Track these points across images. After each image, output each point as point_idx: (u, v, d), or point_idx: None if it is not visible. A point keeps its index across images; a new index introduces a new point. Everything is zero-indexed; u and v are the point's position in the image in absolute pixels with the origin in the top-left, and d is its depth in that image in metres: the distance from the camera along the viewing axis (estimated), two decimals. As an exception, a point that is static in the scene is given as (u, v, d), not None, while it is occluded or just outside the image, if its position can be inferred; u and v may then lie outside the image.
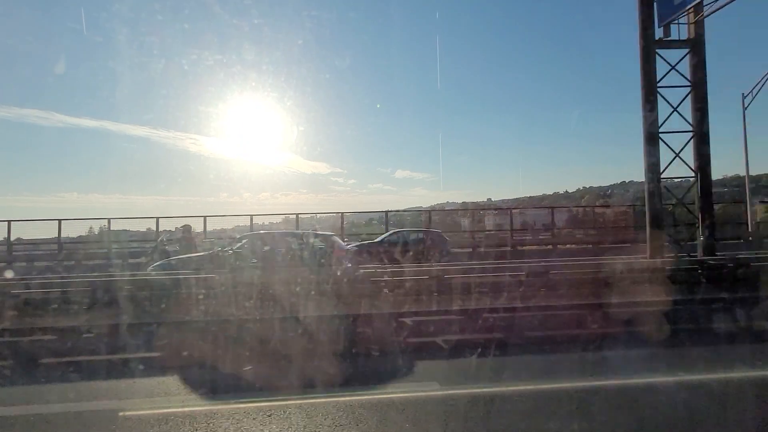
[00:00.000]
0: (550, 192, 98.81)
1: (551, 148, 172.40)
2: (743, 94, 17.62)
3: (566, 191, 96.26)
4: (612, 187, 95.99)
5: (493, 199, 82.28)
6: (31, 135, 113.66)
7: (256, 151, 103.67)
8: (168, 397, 4.03)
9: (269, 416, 3.46)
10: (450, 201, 76.73)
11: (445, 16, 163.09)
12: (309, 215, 19.97)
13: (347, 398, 3.78)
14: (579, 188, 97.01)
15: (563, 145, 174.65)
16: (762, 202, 28.56)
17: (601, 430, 3.16)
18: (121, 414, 3.57)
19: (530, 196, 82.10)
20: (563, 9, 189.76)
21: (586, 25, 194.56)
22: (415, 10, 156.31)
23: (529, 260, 12.69)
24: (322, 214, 20.58)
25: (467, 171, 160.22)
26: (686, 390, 3.86)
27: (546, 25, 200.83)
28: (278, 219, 20.53)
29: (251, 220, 17.19)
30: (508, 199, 75.27)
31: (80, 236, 17.77)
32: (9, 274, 10.33)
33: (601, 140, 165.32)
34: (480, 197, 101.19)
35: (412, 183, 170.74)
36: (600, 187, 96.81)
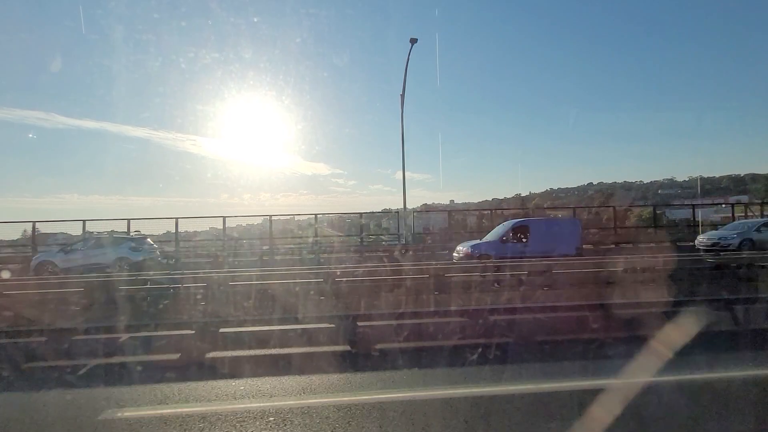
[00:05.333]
0: (522, 193, 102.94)
1: (549, 148, 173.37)
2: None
3: (530, 192, 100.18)
4: (578, 188, 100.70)
5: (456, 201, 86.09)
6: (32, 136, 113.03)
7: (256, 151, 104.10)
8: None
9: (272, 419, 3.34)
10: (436, 202, 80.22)
11: (444, 13, 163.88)
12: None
13: (347, 399, 3.68)
14: (547, 189, 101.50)
15: (561, 144, 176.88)
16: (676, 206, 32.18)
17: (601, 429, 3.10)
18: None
19: (493, 198, 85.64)
20: (564, 9, 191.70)
21: (587, 25, 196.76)
22: (414, 7, 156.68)
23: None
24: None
25: (465, 172, 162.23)
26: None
27: (546, 25, 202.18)
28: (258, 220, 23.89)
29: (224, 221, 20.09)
30: (468, 202, 79.36)
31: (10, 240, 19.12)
32: (5, 274, 10.92)
33: (602, 139, 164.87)
34: (478, 198, 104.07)
35: (413, 184, 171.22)
36: (567, 188, 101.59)
